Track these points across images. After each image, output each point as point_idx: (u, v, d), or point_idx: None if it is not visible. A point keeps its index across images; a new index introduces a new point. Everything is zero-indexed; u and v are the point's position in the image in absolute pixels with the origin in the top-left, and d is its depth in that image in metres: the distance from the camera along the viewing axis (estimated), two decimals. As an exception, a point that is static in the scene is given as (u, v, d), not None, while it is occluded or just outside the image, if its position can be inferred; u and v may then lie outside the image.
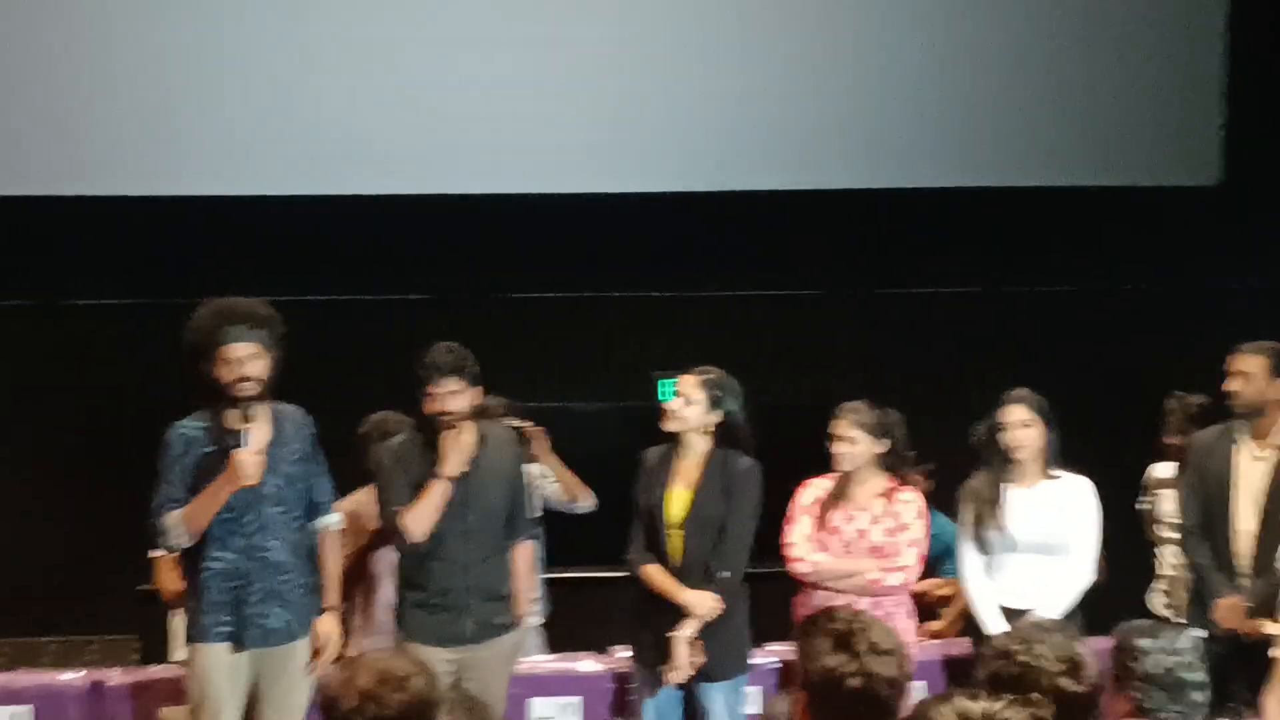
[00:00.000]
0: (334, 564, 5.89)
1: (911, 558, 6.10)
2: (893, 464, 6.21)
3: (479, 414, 6.48)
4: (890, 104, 10.10)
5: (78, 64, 9.56)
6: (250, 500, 5.59)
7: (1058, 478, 6.31)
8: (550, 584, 7.22)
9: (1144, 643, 4.43)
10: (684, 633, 5.85)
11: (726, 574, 5.89)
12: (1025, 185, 10.14)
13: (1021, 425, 6.25)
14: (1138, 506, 7.51)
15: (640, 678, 6.03)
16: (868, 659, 3.49)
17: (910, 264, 10.13)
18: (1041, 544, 6.24)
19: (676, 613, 5.88)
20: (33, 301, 9.80)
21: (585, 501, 7.19)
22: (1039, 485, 6.30)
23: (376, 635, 6.44)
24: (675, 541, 5.95)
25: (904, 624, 6.16)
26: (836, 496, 6.20)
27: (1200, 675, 4.44)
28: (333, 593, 5.85)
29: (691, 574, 5.92)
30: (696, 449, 6.00)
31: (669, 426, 5.98)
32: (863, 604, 6.03)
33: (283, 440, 5.68)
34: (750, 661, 6.09)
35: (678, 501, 5.97)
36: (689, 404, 5.95)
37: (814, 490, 6.27)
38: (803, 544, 6.16)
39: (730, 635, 5.95)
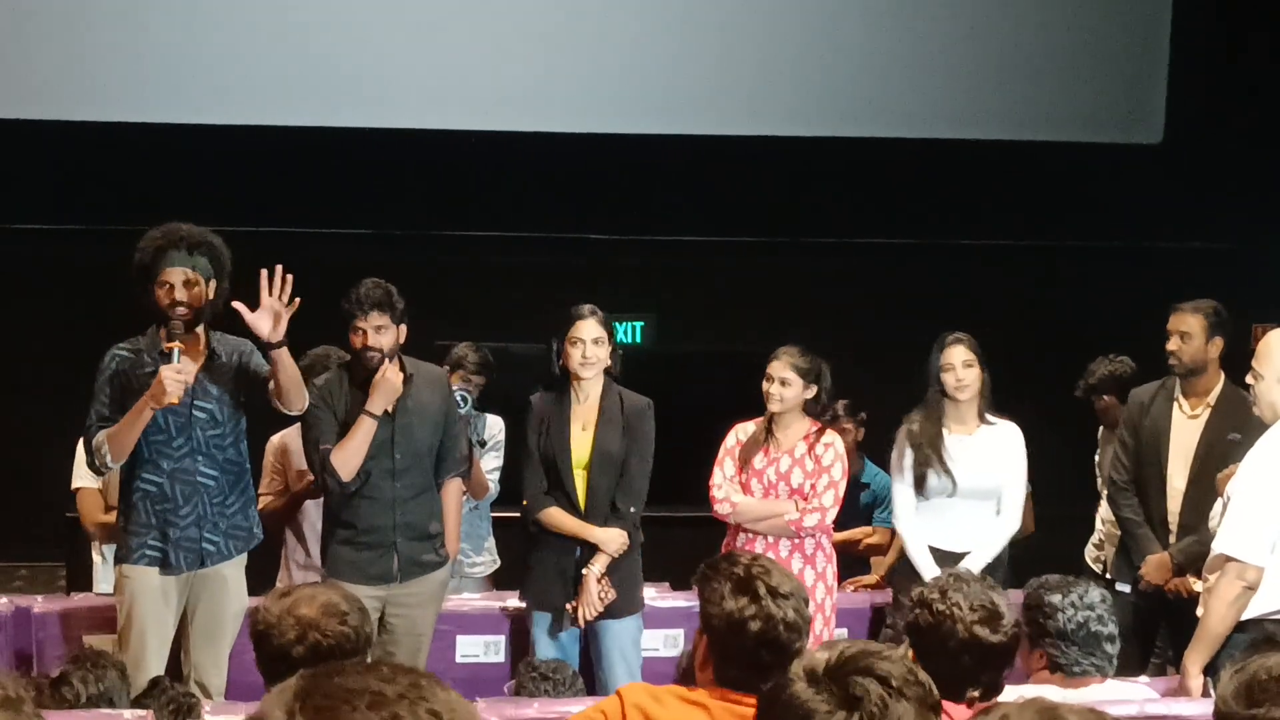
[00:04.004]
0: None
1: (829, 499, 6.11)
2: (816, 411, 6.22)
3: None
4: (837, 55, 10.10)
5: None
6: (182, 423, 5.58)
7: (993, 424, 6.33)
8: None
9: (1055, 599, 4.44)
10: (596, 570, 5.87)
11: (634, 510, 5.93)
12: (969, 138, 10.13)
13: (965, 365, 6.25)
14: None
15: (539, 618, 6.02)
16: (768, 603, 3.50)
17: (847, 214, 10.12)
18: (979, 490, 6.26)
19: (580, 552, 5.91)
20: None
21: (483, 499, 6.94)
22: (977, 432, 6.31)
23: (309, 570, 6.41)
24: (580, 482, 5.96)
25: (822, 568, 6.19)
26: (760, 439, 6.21)
27: (1112, 627, 4.46)
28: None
29: (597, 513, 5.93)
30: (593, 390, 5.99)
31: (588, 372, 5.93)
32: (783, 547, 6.10)
33: (218, 364, 5.64)
34: (646, 599, 6.12)
35: (580, 443, 5.97)
36: (602, 345, 5.93)
37: (739, 433, 6.28)
38: (725, 486, 6.18)
39: (630, 572, 5.99)
